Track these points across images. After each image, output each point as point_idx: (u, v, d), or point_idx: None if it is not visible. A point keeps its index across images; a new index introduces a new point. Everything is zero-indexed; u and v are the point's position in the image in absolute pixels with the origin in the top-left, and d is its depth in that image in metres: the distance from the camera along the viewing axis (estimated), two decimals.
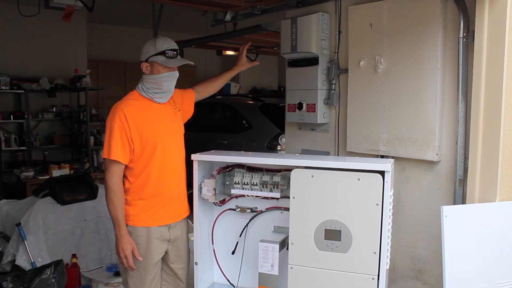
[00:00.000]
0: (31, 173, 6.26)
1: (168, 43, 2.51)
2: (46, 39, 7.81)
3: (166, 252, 2.62)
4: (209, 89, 2.93)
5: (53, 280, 2.96)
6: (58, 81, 7.74)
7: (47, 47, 7.87)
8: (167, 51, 2.47)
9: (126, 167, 2.51)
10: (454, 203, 2.83)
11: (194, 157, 2.53)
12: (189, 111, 2.82)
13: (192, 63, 2.59)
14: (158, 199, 2.54)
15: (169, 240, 2.60)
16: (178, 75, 2.55)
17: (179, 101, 2.74)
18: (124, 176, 2.53)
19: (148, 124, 2.50)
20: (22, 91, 7.36)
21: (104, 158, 2.48)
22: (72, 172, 6.19)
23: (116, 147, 2.44)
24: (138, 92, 2.56)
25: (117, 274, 3.61)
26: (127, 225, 2.51)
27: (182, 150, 2.68)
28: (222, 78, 2.97)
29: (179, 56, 2.53)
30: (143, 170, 2.51)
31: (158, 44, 2.48)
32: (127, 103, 2.52)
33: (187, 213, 2.71)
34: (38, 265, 3.50)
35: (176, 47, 2.53)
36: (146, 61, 2.50)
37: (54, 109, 7.98)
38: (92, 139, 7.68)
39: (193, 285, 2.66)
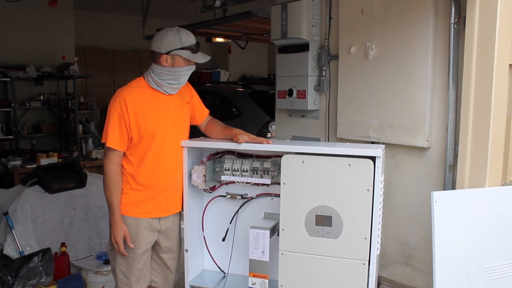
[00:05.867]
0: (18, 162, 6.17)
1: (191, 37, 2.46)
2: (32, 25, 7.69)
3: (156, 242, 2.60)
4: (211, 132, 2.76)
5: (40, 268, 2.93)
6: (45, 69, 7.64)
7: (33, 34, 7.75)
8: (192, 47, 2.44)
9: (123, 154, 2.49)
10: (444, 189, 2.84)
11: (184, 143, 2.51)
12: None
13: (209, 57, 2.58)
14: (150, 191, 2.50)
15: (160, 231, 2.57)
16: (194, 68, 2.53)
17: (189, 97, 2.68)
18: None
19: (148, 114, 2.45)
20: (8, 79, 7.26)
21: (102, 143, 2.48)
22: (60, 161, 6.12)
23: (113, 134, 2.42)
24: (145, 81, 2.50)
25: (107, 262, 3.59)
26: None
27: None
28: (222, 135, 2.68)
29: (200, 51, 2.51)
30: (138, 160, 2.48)
31: (183, 38, 2.42)
32: (131, 90, 2.47)
33: (179, 208, 2.64)
34: (27, 254, 3.46)
35: (196, 40, 2.50)
36: (168, 53, 2.43)
37: (42, 97, 7.89)
38: (80, 127, 7.61)
39: (184, 272, 2.65)
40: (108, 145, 2.42)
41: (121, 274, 2.55)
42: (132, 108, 2.41)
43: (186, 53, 2.43)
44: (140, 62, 10.19)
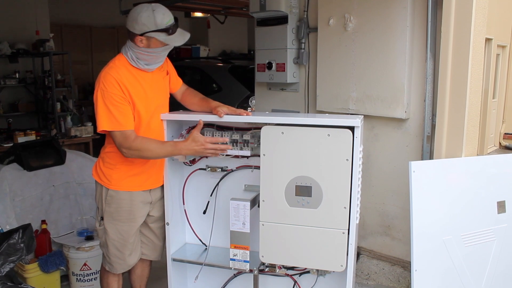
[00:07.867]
0: None
1: (168, 17, 2.30)
2: (4, 0, 7.45)
3: (147, 214, 2.61)
4: (188, 102, 2.71)
5: (21, 244, 2.89)
6: (19, 45, 7.44)
7: (5, 9, 7.50)
8: (168, 28, 2.30)
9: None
10: (422, 160, 2.89)
11: (163, 116, 2.50)
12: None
13: (189, 34, 2.45)
14: (140, 164, 2.49)
15: (151, 202, 2.59)
16: (172, 47, 2.42)
17: (166, 66, 2.61)
18: (110, 139, 2.44)
19: (139, 92, 2.39)
20: None
21: (110, 131, 2.32)
22: (38, 138, 6.02)
23: (127, 118, 2.32)
24: (125, 58, 2.41)
25: (88, 238, 3.57)
26: (109, 189, 2.47)
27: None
28: (200, 107, 2.64)
29: (178, 29, 2.38)
30: None
31: (158, 19, 2.27)
32: (117, 70, 2.35)
33: None
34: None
35: (174, 19, 2.35)
36: (142, 35, 2.31)
37: (17, 75, 7.70)
38: (58, 105, 7.47)
39: (165, 246, 2.67)
40: (126, 129, 2.31)
41: (114, 249, 2.55)
42: (126, 88, 2.33)
43: (163, 36, 2.30)
44: (118, 38, 10.00)
